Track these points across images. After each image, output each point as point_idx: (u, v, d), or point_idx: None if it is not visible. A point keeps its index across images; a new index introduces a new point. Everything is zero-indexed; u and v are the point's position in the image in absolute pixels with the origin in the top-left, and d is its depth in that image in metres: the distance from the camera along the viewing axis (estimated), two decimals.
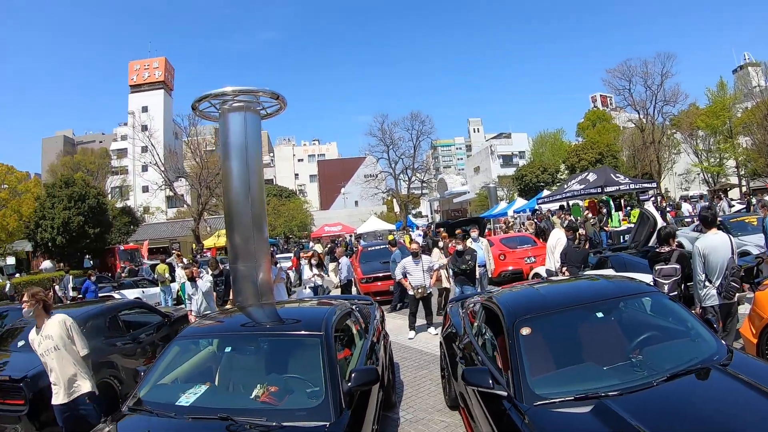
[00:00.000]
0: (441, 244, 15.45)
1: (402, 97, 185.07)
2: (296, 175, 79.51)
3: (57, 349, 4.81)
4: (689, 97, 44.18)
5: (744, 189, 40.95)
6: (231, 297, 9.75)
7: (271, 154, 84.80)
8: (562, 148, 58.97)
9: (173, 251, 36.88)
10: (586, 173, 24.21)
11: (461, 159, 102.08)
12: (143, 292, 16.59)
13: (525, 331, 3.99)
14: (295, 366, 4.29)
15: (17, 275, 30.20)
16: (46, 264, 29.39)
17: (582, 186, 21.90)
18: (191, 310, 9.52)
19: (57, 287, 16.95)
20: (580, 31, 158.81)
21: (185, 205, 46.73)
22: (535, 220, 23.59)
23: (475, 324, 5.37)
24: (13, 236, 33.25)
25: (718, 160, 43.13)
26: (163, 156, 38.86)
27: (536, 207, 27.51)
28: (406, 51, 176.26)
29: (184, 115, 37.05)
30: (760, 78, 41.56)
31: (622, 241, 17.14)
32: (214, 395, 4.03)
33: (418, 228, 33.63)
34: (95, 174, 53.13)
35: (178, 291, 16.94)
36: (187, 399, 3.90)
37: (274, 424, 3.47)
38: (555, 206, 26.14)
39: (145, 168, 66.02)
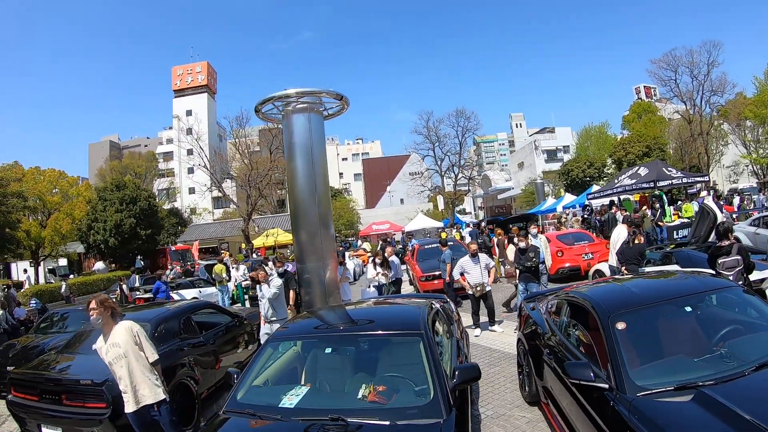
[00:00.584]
0: (496, 240, 15.27)
1: (442, 93, 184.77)
2: (341, 174, 79.89)
3: (125, 356, 4.73)
4: (737, 87, 42.92)
5: None
6: (292, 298, 9.51)
7: None
8: (608, 141, 57.94)
9: (222, 251, 37.65)
10: (637, 168, 23.82)
11: (504, 155, 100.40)
12: (200, 291, 16.81)
13: (620, 325, 4.10)
14: (397, 365, 4.23)
15: (71, 276, 31.25)
16: (99, 265, 30.42)
17: (633, 180, 21.69)
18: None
19: (124, 286, 17.36)
20: (619, 23, 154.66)
21: (233, 206, 47.66)
22: (595, 216, 23.24)
23: (560, 320, 5.42)
24: (66, 238, 34.25)
25: (767, 151, 41.55)
26: (209, 158, 39.27)
27: (586, 202, 27.10)
28: (446, 46, 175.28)
29: (228, 117, 37.38)
30: None
31: (676, 236, 16.80)
32: (317, 396, 4.01)
33: (468, 225, 33.28)
34: (143, 177, 54.50)
35: (233, 291, 17.37)
36: (289, 401, 3.88)
37: (389, 422, 3.46)
38: (606, 201, 24.82)
39: (191, 170, 67.90)
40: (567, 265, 14.48)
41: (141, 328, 4.96)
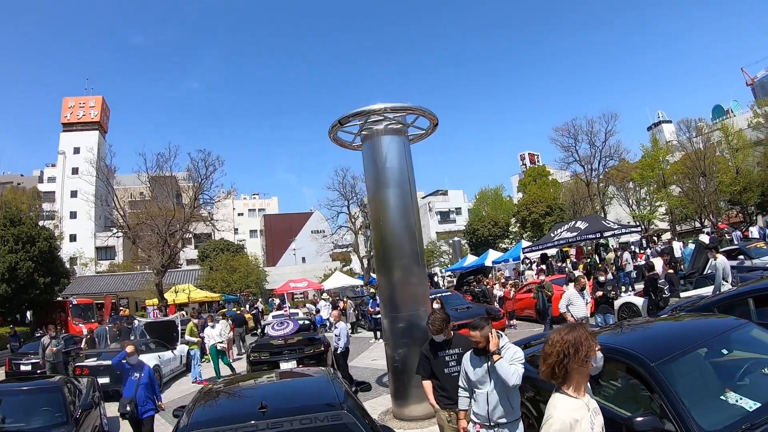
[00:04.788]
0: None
1: (328, 154, 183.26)
2: (235, 229, 76.51)
3: None
4: (629, 153, 47.72)
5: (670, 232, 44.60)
6: None
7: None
8: (504, 203, 62.87)
9: (121, 308, 33.69)
10: (574, 222, 25.83)
11: None
12: (159, 357, 13.96)
13: (669, 371, 4.18)
14: None
15: None
16: None
17: (575, 233, 23.42)
18: None
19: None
20: (501, 95, 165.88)
21: (118, 258, 42.53)
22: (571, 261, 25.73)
23: None
24: None
25: (649, 208, 46.36)
26: (110, 202, 35.01)
27: (522, 255, 29.09)
28: (328, 103, 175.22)
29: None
30: (672, 134, 46.26)
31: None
32: None
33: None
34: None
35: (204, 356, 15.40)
36: None
37: None
38: (538, 254, 28.27)
39: (74, 214, 61.74)
40: None
41: None
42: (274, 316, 21.71)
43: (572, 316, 9.72)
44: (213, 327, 14.46)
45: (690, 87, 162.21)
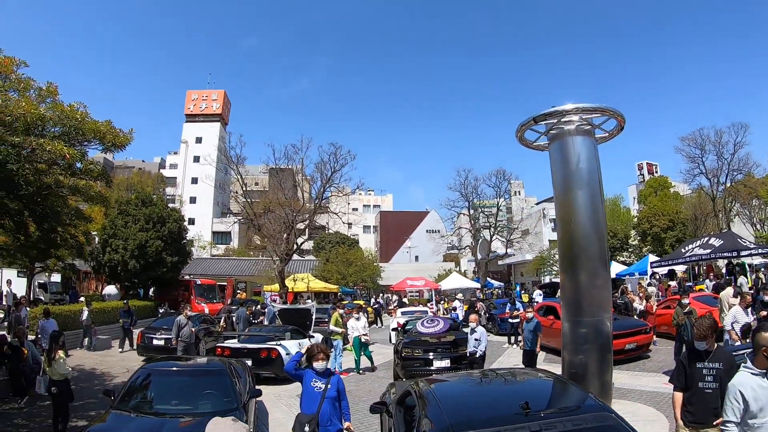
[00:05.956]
0: None
1: (438, 154, 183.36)
2: (349, 224, 78.18)
3: None
4: (760, 167, 44.90)
5: None
6: None
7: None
8: (621, 214, 59.65)
9: (238, 291, 34.95)
10: (707, 238, 24.67)
11: (502, 221, 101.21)
12: (300, 344, 13.62)
13: None
14: None
15: (67, 298, 27.27)
16: (111, 289, 26.66)
17: (708, 250, 22.49)
18: None
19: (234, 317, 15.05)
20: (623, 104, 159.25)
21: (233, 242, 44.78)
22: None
23: None
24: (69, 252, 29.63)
25: None
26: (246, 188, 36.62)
27: (651, 270, 28.14)
28: (446, 108, 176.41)
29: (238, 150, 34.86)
30: None
31: None
32: None
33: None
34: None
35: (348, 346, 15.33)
36: None
37: None
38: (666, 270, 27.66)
39: (193, 200, 65.44)
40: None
41: None
42: (403, 313, 22.04)
43: (737, 335, 9.29)
44: (358, 319, 14.51)
45: None
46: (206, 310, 24.79)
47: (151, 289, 28.83)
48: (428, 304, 29.61)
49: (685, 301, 12.03)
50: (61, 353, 8.37)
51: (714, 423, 4.62)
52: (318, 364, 5.81)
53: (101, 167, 12.21)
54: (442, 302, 33.13)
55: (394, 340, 18.26)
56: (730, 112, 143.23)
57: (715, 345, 4.78)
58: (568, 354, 7.86)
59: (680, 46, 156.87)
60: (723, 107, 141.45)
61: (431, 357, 11.81)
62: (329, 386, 5.68)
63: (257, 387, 7.83)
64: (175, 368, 7.70)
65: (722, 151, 42.37)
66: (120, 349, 18.04)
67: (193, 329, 14.04)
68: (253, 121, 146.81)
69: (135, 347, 17.74)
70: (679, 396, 4.84)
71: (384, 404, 5.93)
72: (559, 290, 8.43)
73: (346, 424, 5.79)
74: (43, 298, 28.70)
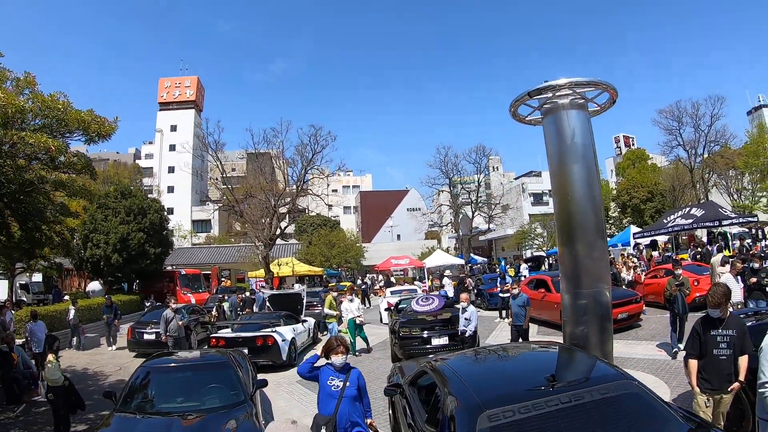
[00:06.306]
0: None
1: (417, 133, 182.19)
2: (329, 206, 77.90)
3: None
4: (736, 138, 45.47)
5: None
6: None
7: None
8: (600, 187, 58.52)
9: (222, 279, 34.71)
10: (688, 208, 25.07)
11: (481, 197, 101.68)
12: (294, 330, 14.04)
13: None
14: None
15: (50, 298, 26.62)
16: (95, 285, 26.07)
17: (690, 220, 22.89)
18: None
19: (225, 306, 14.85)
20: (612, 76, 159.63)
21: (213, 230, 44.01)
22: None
23: None
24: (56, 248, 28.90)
25: (752, 198, 43.48)
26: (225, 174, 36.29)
27: (633, 241, 28.61)
28: (424, 85, 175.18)
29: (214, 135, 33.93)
30: None
31: None
32: None
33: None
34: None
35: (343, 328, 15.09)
36: None
37: None
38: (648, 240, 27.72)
39: (171, 189, 64.57)
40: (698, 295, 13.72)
41: None
42: (392, 292, 22.31)
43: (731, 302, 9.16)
44: (352, 301, 14.41)
45: None
46: (192, 300, 24.44)
47: (135, 283, 28.37)
48: (421, 282, 29.61)
49: (678, 272, 11.99)
50: (51, 357, 8.14)
51: (728, 389, 4.69)
52: (337, 359, 5.31)
53: (85, 159, 11.78)
54: (426, 280, 33.19)
55: (386, 320, 18.20)
56: (707, 85, 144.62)
57: (728, 312, 4.86)
58: (569, 326, 7.85)
59: (655, 28, 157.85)
60: (700, 81, 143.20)
61: (429, 335, 11.76)
62: (348, 384, 5.21)
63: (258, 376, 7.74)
64: (175, 364, 7.49)
65: (699, 123, 43.19)
66: (110, 347, 17.68)
67: (180, 322, 13.74)
68: (228, 107, 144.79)
69: (115, 342, 17.60)
70: (694, 363, 4.90)
71: (398, 386, 5.86)
72: (559, 263, 8.43)
73: (368, 421, 5.41)
74: (25, 299, 28.12)
